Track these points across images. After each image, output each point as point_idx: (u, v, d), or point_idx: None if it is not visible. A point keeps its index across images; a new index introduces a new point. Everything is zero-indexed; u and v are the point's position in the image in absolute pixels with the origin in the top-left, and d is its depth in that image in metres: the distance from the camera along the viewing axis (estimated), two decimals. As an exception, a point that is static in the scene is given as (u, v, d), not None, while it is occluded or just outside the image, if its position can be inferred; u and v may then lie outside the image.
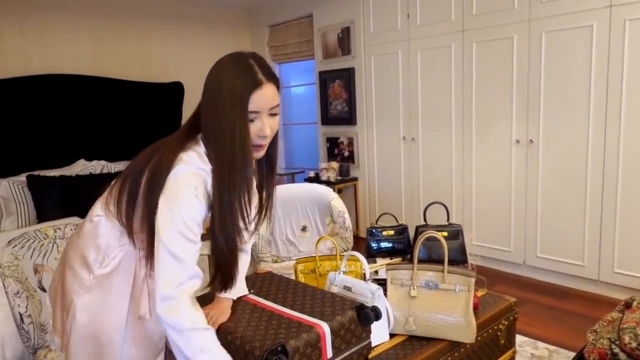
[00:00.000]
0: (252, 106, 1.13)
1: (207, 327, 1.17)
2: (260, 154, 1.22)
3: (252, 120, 1.15)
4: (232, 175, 1.14)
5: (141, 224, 1.24)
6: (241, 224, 1.20)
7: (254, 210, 1.30)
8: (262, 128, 1.16)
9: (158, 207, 1.15)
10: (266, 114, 1.16)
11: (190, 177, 1.15)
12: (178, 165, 1.15)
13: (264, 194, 1.32)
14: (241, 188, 1.16)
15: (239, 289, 1.42)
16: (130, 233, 1.28)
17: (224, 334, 1.24)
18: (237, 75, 1.13)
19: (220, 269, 1.23)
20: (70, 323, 1.29)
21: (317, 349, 1.20)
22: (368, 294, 1.50)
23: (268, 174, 1.32)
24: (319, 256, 1.78)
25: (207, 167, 1.17)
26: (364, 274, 1.57)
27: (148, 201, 1.19)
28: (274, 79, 1.17)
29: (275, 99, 1.17)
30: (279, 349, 1.13)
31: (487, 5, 3.50)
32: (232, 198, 1.15)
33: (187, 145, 1.19)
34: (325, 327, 1.23)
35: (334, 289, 1.60)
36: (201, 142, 1.20)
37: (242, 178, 1.16)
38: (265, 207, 1.33)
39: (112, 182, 1.36)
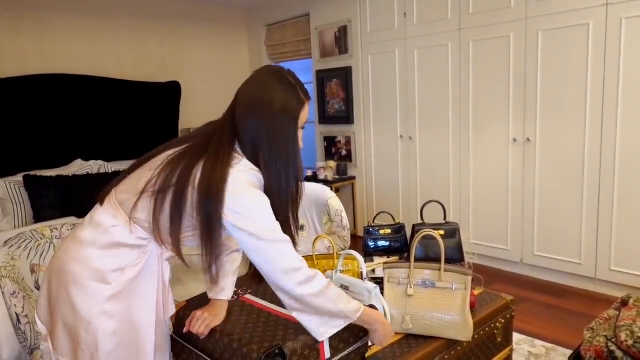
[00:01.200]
0: (301, 122, 1.29)
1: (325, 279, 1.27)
2: None
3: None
4: (288, 182, 1.27)
5: (192, 233, 1.28)
6: (292, 224, 1.32)
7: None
8: (300, 141, 1.31)
9: (230, 219, 1.19)
10: (300, 129, 1.31)
11: (246, 180, 1.23)
12: (232, 175, 1.21)
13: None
14: (294, 194, 1.30)
15: (230, 289, 1.43)
16: (161, 240, 1.29)
17: (222, 336, 1.24)
18: (287, 93, 1.26)
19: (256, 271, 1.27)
20: (93, 342, 1.23)
21: (314, 350, 1.20)
22: (365, 292, 1.50)
23: None
24: (316, 255, 1.78)
25: (257, 172, 1.26)
26: (361, 272, 1.57)
27: (203, 211, 1.21)
28: (308, 96, 1.31)
29: (307, 116, 1.32)
30: (277, 351, 1.14)
31: (484, 4, 3.50)
32: (285, 202, 1.28)
33: (231, 158, 1.24)
34: (326, 345, 1.23)
35: None
36: (241, 154, 1.27)
37: (296, 184, 1.30)
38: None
39: (113, 191, 1.32)
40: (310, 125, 5.34)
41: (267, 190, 1.25)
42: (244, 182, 1.21)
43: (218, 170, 1.19)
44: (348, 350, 1.29)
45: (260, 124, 1.24)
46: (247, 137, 1.25)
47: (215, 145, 1.25)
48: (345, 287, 1.55)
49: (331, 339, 1.24)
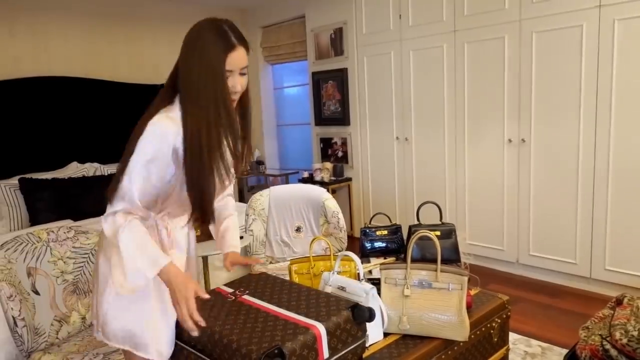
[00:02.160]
0: (227, 65, 1.31)
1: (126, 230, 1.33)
2: (234, 106, 1.39)
3: (227, 77, 1.33)
4: (215, 127, 1.31)
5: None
6: (222, 169, 1.36)
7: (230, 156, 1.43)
8: (234, 85, 1.34)
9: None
10: (237, 73, 1.35)
11: (159, 132, 1.32)
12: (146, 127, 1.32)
13: (240, 139, 1.46)
14: (222, 137, 1.34)
15: (236, 240, 1.60)
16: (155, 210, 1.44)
17: (221, 337, 1.25)
18: (215, 39, 1.31)
19: (200, 207, 1.38)
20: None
21: (313, 350, 1.21)
22: (362, 293, 1.51)
23: (243, 122, 1.48)
24: (313, 257, 1.79)
25: (176, 128, 1.32)
26: (358, 273, 1.58)
27: (124, 157, 1.34)
28: (244, 43, 1.35)
29: (245, 61, 1.36)
30: (276, 351, 1.14)
31: (478, 6, 3.52)
32: (212, 146, 1.32)
33: (161, 109, 1.36)
34: (321, 328, 1.24)
35: (328, 289, 1.60)
36: (177, 103, 1.35)
37: (227, 126, 1.34)
38: (243, 147, 1.48)
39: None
40: (306, 126, 5.36)
41: (184, 134, 1.31)
42: (156, 125, 1.31)
43: (140, 124, 1.35)
44: (346, 350, 1.30)
45: (188, 74, 1.33)
46: (179, 82, 1.36)
47: (155, 100, 1.40)
48: (342, 288, 1.56)
49: (329, 338, 1.25)
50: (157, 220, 1.44)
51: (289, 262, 1.86)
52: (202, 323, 1.28)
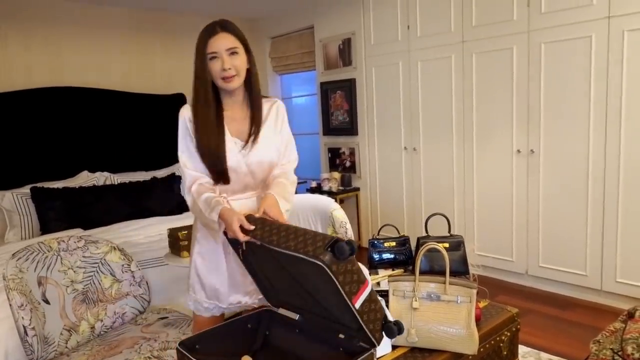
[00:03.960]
0: (210, 49, 1.58)
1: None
2: (232, 84, 1.63)
3: (213, 59, 1.59)
4: (203, 102, 1.63)
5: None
6: (226, 140, 1.64)
7: (245, 126, 1.70)
8: (222, 64, 1.58)
9: None
10: (225, 54, 1.58)
11: (179, 116, 1.70)
12: None
13: (250, 112, 1.71)
14: (208, 109, 1.63)
15: (277, 187, 1.71)
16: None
17: (288, 232, 1.33)
18: (202, 32, 1.62)
19: (211, 168, 1.65)
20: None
21: (358, 285, 1.22)
22: None
23: (251, 98, 1.71)
24: None
25: (187, 113, 1.68)
26: None
27: None
28: (228, 30, 1.61)
29: (229, 43, 1.59)
30: (351, 241, 1.20)
31: (487, 17, 3.53)
32: (206, 118, 1.63)
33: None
34: (370, 283, 1.27)
35: None
36: None
37: (211, 101, 1.63)
38: (253, 121, 1.70)
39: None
40: (315, 136, 5.37)
41: (192, 112, 1.66)
42: (179, 114, 1.70)
43: None
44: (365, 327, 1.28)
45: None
46: None
47: None
48: None
49: (369, 293, 1.27)
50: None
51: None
52: (247, 238, 1.47)
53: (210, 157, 1.63)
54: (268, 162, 1.72)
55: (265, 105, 1.75)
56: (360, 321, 1.26)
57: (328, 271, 1.17)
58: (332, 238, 1.22)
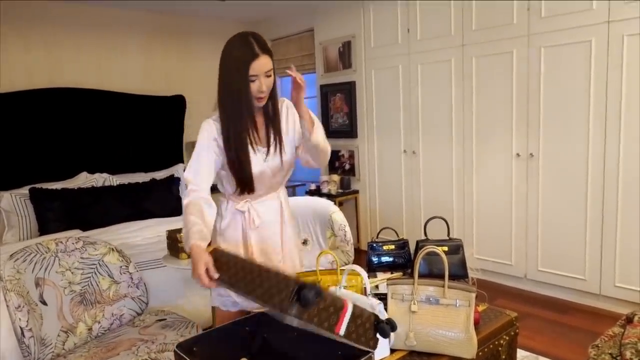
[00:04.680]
0: (251, 71, 1.61)
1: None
2: (262, 102, 1.70)
3: (252, 81, 1.63)
4: (238, 118, 1.67)
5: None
6: (250, 150, 1.70)
7: (264, 133, 1.77)
8: (260, 87, 1.64)
9: None
10: (263, 76, 1.63)
11: (203, 129, 1.73)
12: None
13: (271, 127, 1.77)
14: (243, 126, 1.68)
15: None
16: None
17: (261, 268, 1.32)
18: (241, 50, 1.62)
19: (239, 180, 1.71)
20: None
21: (337, 315, 1.21)
22: (368, 308, 1.50)
23: (272, 114, 1.77)
24: (320, 270, 1.79)
25: (215, 124, 1.70)
26: (365, 288, 1.57)
27: None
28: (267, 52, 1.64)
29: (268, 66, 1.64)
30: (315, 286, 1.19)
31: (487, 21, 3.54)
32: (237, 132, 1.67)
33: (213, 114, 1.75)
34: (350, 305, 1.26)
35: None
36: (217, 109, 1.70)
37: (246, 120, 1.68)
38: (275, 134, 1.77)
39: None
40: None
41: (221, 126, 1.69)
42: (202, 126, 1.72)
43: None
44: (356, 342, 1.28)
45: (220, 74, 1.67)
46: (218, 94, 1.70)
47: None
48: None
49: (351, 320, 1.26)
50: (241, 203, 1.76)
51: (295, 276, 1.86)
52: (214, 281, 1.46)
53: (241, 171, 1.69)
54: (289, 163, 1.82)
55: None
56: (350, 342, 1.27)
57: (300, 320, 1.18)
58: (295, 285, 1.20)
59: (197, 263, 1.43)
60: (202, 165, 1.67)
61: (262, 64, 1.62)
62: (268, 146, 1.75)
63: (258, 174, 1.73)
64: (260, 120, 1.77)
